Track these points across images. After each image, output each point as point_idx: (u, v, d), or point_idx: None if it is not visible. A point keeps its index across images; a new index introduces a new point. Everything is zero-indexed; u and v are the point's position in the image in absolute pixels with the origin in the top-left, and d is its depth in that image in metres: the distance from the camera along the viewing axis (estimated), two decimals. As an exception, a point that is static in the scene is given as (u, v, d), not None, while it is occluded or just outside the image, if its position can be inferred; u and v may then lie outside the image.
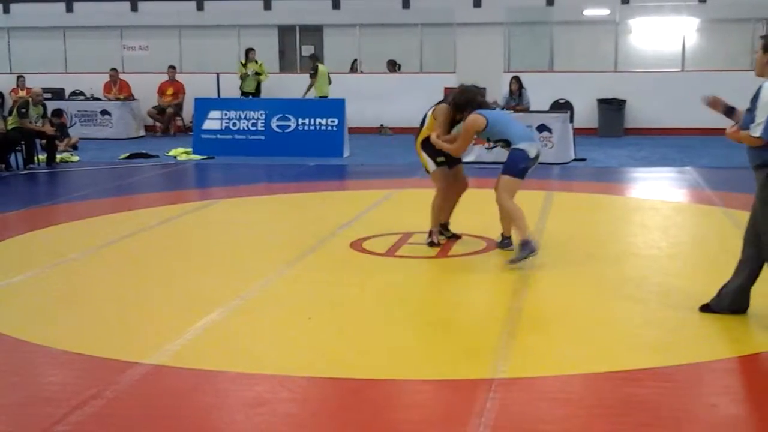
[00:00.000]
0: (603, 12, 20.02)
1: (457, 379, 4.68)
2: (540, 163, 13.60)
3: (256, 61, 18.90)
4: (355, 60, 20.74)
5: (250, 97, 18.25)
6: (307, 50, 21.17)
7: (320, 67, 18.15)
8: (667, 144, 16.54)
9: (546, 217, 9.28)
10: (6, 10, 22.35)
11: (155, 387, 4.67)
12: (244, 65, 18.84)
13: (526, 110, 14.57)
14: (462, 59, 19.81)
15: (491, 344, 5.17)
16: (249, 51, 19.00)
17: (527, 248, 7.00)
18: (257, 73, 18.84)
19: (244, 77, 18.77)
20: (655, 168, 13.48)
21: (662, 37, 20.30)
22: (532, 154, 7.34)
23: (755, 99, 5.35)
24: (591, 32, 20.34)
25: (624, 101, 18.40)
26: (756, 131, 5.30)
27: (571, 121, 14.64)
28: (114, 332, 5.62)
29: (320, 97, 17.87)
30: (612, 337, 5.42)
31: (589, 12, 20.18)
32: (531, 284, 6.61)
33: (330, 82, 18.19)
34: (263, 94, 18.74)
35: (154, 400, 4.52)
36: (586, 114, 17.96)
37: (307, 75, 18.27)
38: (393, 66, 20.48)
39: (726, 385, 4.62)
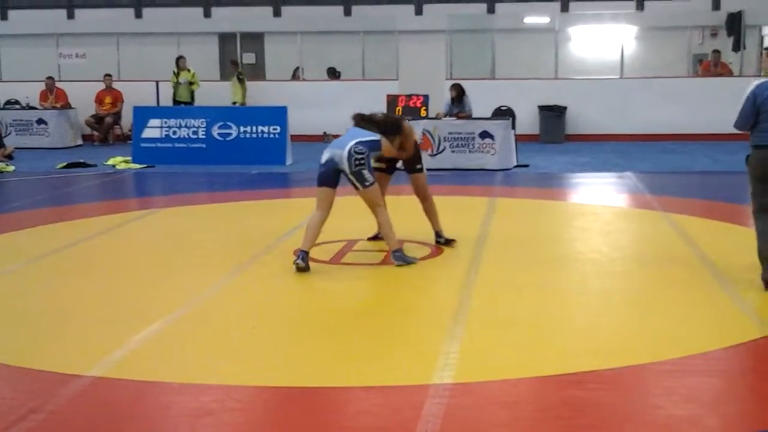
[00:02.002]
0: (543, 20, 20.27)
1: (403, 385, 4.66)
2: (483, 170, 13.78)
3: (188, 70, 18.73)
4: (297, 67, 20.68)
5: (183, 106, 18.13)
6: (248, 57, 21.06)
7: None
8: (607, 149, 16.78)
9: (489, 223, 9.33)
10: (-62, 18, 21.87)
11: (97, 399, 4.57)
12: (177, 74, 18.67)
13: (469, 117, 14.66)
14: (404, 66, 19.88)
15: (437, 349, 5.16)
16: (179, 59, 18.82)
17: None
18: (190, 83, 18.67)
19: (176, 86, 18.60)
20: (595, 173, 13.66)
21: (601, 45, 20.64)
22: (322, 160, 7.53)
23: None
24: (531, 40, 20.58)
25: (565, 108, 18.63)
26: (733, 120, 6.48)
27: (513, 127, 14.76)
28: (53, 345, 5.49)
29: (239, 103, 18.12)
30: (556, 341, 5.45)
31: (530, 20, 20.42)
32: (476, 289, 6.63)
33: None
34: (197, 103, 18.57)
35: (96, 412, 4.42)
36: (527, 121, 18.13)
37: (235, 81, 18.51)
38: (333, 74, 20.48)
39: (669, 386, 4.67)
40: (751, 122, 6.41)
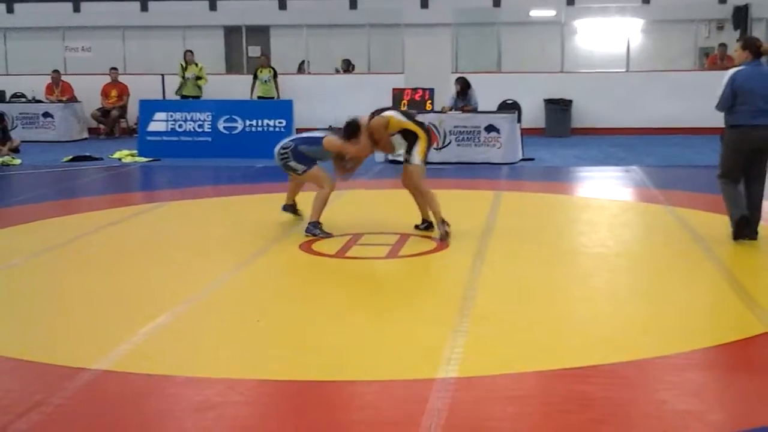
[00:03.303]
0: (549, 13, 20.23)
1: (408, 380, 4.66)
2: (488, 164, 13.79)
3: (196, 64, 18.71)
4: (303, 61, 20.67)
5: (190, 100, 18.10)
6: (254, 51, 21.03)
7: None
8: (612, 143, 16.75)
9: (495, 217, 9.33)
10: (-55, 11, 21.90)
11: (102, 393, 4.58)
12: (184, 69, 18.64)
13: (474, 111, 14.64)
14: (410, 60, 19.84)
15: (441, 344, 5.16)
16: (187, 53, 18.80)
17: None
18: (198, 77, 18.65)
19: (183, 81, 18.57)
20: (601, 167, 13.64)
21: (607, 38, 20.59)
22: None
23: None
24: (537, 33, 20.54)
25: (570, 101, 18.60)
26: (713, 103, 7.77)
27: (519, 121, 14.74)
28: (60, 338, 5.51)
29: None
30: (561, 335, 5.45)
31: (535, 13, 20.38)
32: (480, 283, 6.63)
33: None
34: (204, 97, 18.55)
35: (101, 405, 4.43)
36: (533, 114, 18.11)
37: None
38: (347, 66, 20.43)
39: (675, 380, 4.67)
40: (729, 105, 7.68)
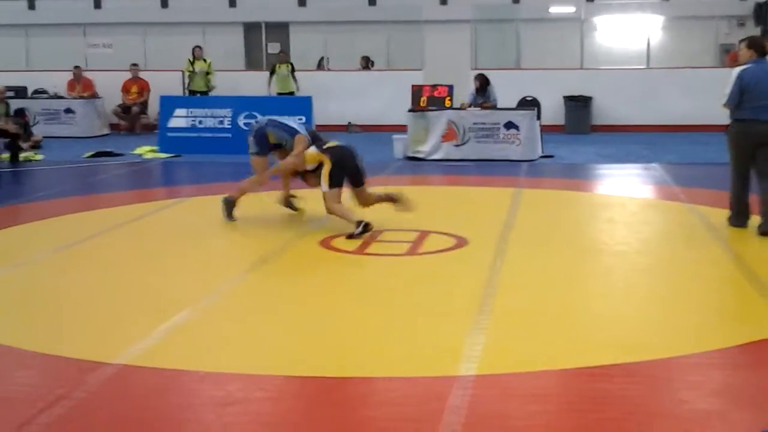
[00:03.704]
0: (568, 9, 20.15)
1: (428, 377, 4.68)
2: (508, 161, 13.77)
3: (204, 60, 18.76)
4: (322, 57, 20.69)
5: (198, 95, 18.14)
6: (273, 47, 21.08)
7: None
8: (633, 141, 16.67)
9: (514, 214, 9.31)
10: (-33, 8, 22.05)
11: (124, 387, 4.63)
12: (192, 63, 18.69)
13: (493, 107, 14.62)
14: (429, 56, 19.83)
15: (462, 341, 5.18)
16: (196, 48, 18.85)
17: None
18: (207, 72, 18.69)
19: (192, 76, 18.61)
20: (621, 164, 13.58)
21: (627, 35, 20.49)
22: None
23: None
24: (557, 30, 20.46)
25: (590, 98, 18.53)
26: (721, 100, 8.18)
27: (538, 118, 14.71)
28: (81, 333, 5.56)
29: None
30: (580, 333, 5.45)
31: (555, 9, 20.30)
32: (500, 281, 6.63)
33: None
34: (222, 93, 18.57)
35: (123, 400, 4.47)
36: (552, 111, 18.05)
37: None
38: (366, 62, 20.44)
39: (695, 380, 4.67)
40: (737, 102, 8.04)
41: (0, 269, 7.16)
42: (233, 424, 4.15)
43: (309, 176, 8.68)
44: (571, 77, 18.96)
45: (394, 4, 20.64)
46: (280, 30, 21.33)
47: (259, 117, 8.95)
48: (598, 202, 10.74)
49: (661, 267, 7.27)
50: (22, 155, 14.49)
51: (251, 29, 21.44)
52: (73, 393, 4.47)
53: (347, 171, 8.39)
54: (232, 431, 4.10)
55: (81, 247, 8.06)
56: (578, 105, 18.46)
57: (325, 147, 8.51)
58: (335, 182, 8.29)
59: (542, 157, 14.22)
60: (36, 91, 19.85)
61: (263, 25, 21.10)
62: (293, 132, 8.84)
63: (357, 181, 8.50)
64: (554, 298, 6.22)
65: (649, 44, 19.51)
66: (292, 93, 18.18)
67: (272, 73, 18.62)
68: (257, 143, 8.95)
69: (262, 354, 5.14)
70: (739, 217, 8.29)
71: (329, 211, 8.35)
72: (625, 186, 11.82)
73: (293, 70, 18.73)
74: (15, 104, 16.01)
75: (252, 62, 21.46)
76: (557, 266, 7.14)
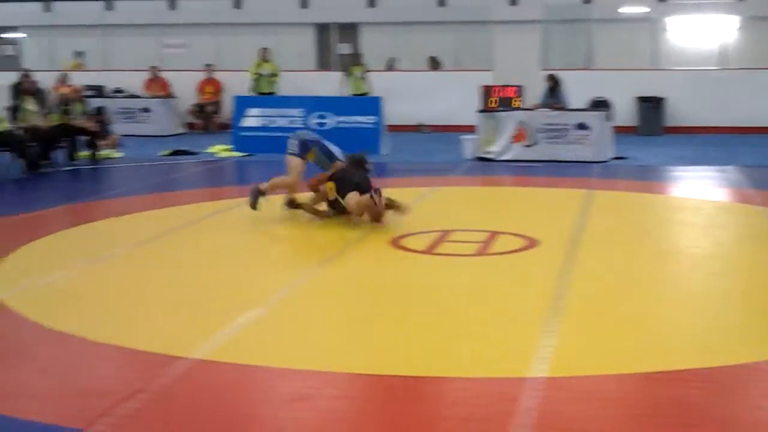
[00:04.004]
0: (641, 10, 19.85)
1: (499, 377, 4.68)
2: (578, 162, 13.64)
3: (271, 61, 18.91)
4: (392, 58, 20.74)
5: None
6: (343, 48, 21.20)
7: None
8: (707, 142, 16.37)
9: (586, 216, 9.23)
10: (47, 8, 22.64)
11: (198, 381, 4.73)
12: (258, 65, 18.86)
13: (564, 108, 14.49)
14: (498, 57, 19.74)
15: (533, 343, 5.16)
16: (263, 51, 19.00)
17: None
18: (273, 74, 18.84)
19: (257, 78, 18.77)
20: (695, 167, 13.35)
21: (701, 35, 20.10)
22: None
23: None
24: (629, 30, 20.17)
25: (663, 99, 18.25)
26: None
27: (610, 119, 14.54)
28: (158, 327, 5.69)
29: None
30: (654, 337, 5.39)
31: (627, 10, 20.02)
32: (572, 283, 6.59)
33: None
34: (295, 93, 18.71)
35: (197, 393, 4.57)
36: (624, 112, 17.80)
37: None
38: (434, 63, 20.43)
39: (771, 386, 4.59)
40: None
41: (79, 264, 7.36)
42: (303, 420, 4.22)
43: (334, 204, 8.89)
44: (643, 78, 18.69)
45: (464, 5, 20.58)
46: (350, 31, 21.44)
47: (308, 132, 9.56)
48: (670, 204, 10.58)
49: (735, 270, 7.14)
50: (101, 153, 14.83)
51: (322, 30, 21.60)
52: (150, 386, 4.58)
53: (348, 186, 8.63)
54: (302, 427, 4.16)
55: (157, 243, 8.24)
56: (651, 106, 18.19)
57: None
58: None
59: (614, 158, 14.04)
60: (115, 91, 20.30)
61: (334, 26, 21.25)
62: (334, 159, 9.11)
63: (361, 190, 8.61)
64: (626, 301, 6.16)
65: (723, 45, 19.12)
66: (365, 95, 18.17)
67: (346, 74, 18.64)
68: (299, 147, 9.24)
69: (332, 351, 5.20)
70: None
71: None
72: (698, 188, 11.62)
73: (367, 71, 18.75)
74: (93, 103, 16.37)
75: (323, 63, 21.62)
76: (629, 269, 7.06)
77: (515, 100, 14.28)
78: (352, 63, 18.87)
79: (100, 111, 16.86)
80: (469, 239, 8.05)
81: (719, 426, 4.12)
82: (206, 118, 19.81)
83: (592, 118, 14.07)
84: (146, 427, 4.18)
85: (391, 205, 8.66)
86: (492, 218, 8.61)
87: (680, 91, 18.31)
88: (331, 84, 18.79)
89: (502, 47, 19.99)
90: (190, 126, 19.95)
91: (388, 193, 9.06)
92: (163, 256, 7.80)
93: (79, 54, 21.31)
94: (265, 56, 18.87)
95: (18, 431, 4.14)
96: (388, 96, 16.55)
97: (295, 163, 9.23)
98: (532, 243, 7.87)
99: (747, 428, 4.10)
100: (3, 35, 23.32)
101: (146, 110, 19.12)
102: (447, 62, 20.44)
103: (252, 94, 18.41)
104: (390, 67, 20.74)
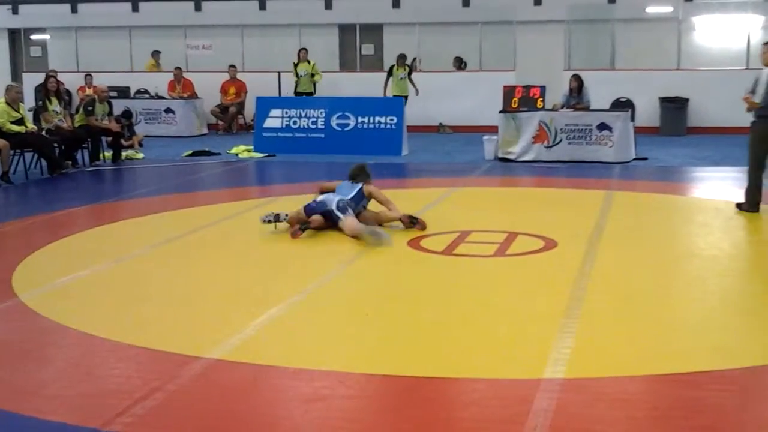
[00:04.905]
0: (666, 9, 19.73)
1: (515, 379, 4.68)
2: (600, 162, 13.58)
3: (309, 62, 18.99)
4: (415, 58, 20.74)
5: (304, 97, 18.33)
6: (367, 49, 21.23)
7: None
8: (730, 143, 16.21)
9: (606, 216, 9.20)
10: (74, 10, 22.85)
11: (215, 381, 4.76)
12: (296, 66, 18.93)
13: (587, 109, 14.43)
14: (522, 57, 19.71)
15: (549, 344, 5.15)
16: (300, 51, 19.08)
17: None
18: (312, 74, 18.90)
19: (297, 79, 18.86)
20: (718, 168, 13.26)
21: (726, 35, 19.94)
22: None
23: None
24: (653, 30, 20.06)
25: (687, 100, 18.12)
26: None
27: (633, 119, 14.46)
28: (176, 327, 5.74)
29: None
30: (671, 339, 5.36)
31: (652, 9, 19.91)
32: (589, 284, 6.57)
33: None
34: (317, 94, 18.80)
35: (213, 393, 4.60)
36: (647, 112, 17.72)
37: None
38: (459, 63, 20.40)
39: (789, 389, 4.56)
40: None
41: (101, 264, 7.43)
42: (319, 420, 4.24)
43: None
44: (667, 78, 18.57)
45: (488, 5, 20.56)
46: (374, 31, 21.48)
47: (338, 200, 8.70)
48: (692, 205, 10.52)
49: (755, 273, 7.10)
50: (124, 154, 14.95)
51: (346, 31, 21.65)
52: (167, 386, 4.62)
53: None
54: (318, 427, 4.17)
55: (178, 243, 8.30)
56: (674, 106, 18.07)
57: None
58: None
59: (636, 159, 13.98)
60: (138, 91, 20.45)
61: (358, 27, 21.29)
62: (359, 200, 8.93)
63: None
64: (644, 303, 6.13)
65: (749, 44, 18.95)
66: (406, 97, 17.95)
67: (389, 75, 18.54)
68: (345, 210, 8.56)
69: (349, 352, 5.22)
70: (745, 202, 9.27)
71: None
72: (720, 190, 11.52)
73: (410, 72, 18.66)
74: (117, 104, 16.51)
75: (346, 63, 21.67)
76: (648, 270, 7.03)
77: (538, 101, 14.25)
78: (395, 64, 18.67)
79: (125, 114, 16.98)
80: (487, 240, 8.05)
81: (736, 429, 4.10)
82: (229, 119, 19.92)
83: (614, 118, 14.01)
84: (163, 426, 4.21)
85: (409, 221, 8.58)
86: (511, 219, 8.59)
87: (704, 92, 18.18)
88: (354, 84, 18.84)
89: (525, 47, 19.96)
90: (214, 127, 20.06)
91: (407, 194, 9.06)
92: (183, 256, 7.86)
93: (156, 53, 21.39)
94: (302, 57, 18.95)
95: (36, 430, 4.19)
96: (411, 96, 16.54)
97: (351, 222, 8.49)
98: (550, 244, 7.86)
99: (763, 431, 4.07)
100: (30, 37, 23.58)
101: (170, 111, 19.26)
102: (471, 62, 20.42)
103: (293, 94, 18.53)
104: (413, 67, 20.72)
